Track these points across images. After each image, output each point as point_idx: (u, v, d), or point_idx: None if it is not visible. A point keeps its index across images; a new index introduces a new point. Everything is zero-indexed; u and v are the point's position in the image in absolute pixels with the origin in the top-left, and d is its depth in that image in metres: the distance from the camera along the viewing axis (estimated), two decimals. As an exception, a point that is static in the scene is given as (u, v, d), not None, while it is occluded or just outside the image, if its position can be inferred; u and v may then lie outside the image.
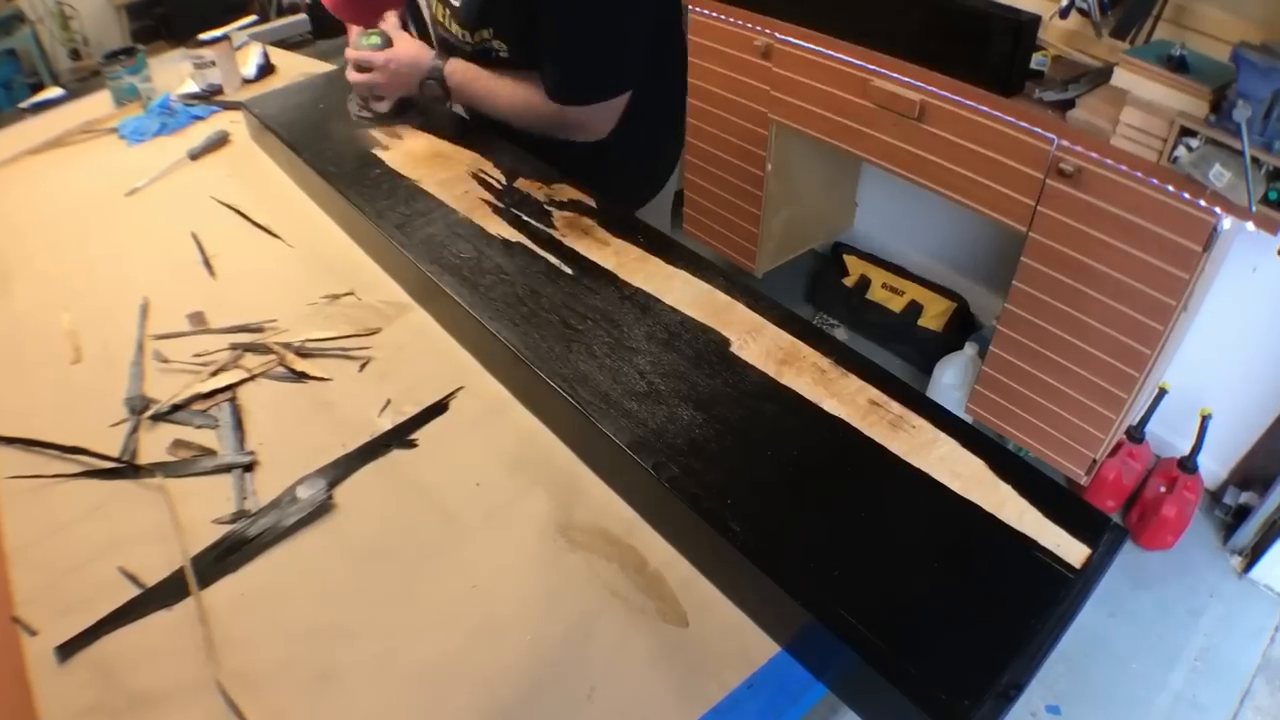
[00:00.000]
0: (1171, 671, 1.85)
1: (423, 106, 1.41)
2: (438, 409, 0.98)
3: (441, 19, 1.32)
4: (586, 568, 0.81)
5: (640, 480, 0.82)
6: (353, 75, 1.34)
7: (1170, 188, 1.56)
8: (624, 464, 0.83)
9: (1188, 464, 2.03)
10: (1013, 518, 0.76)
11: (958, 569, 0.73)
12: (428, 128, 1.38)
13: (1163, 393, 2.03)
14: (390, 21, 1.37)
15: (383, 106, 1.38)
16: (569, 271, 1.06)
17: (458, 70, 1.31)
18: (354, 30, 1.39)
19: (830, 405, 0.87)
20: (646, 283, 1.03)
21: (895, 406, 0.87)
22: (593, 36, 1.17)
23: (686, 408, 0.87)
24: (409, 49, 1.32)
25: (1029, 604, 0.70)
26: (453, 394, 1.00)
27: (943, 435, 0.84)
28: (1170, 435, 2.17)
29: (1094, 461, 1.98)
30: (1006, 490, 0.79)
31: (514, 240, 1.11)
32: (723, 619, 0.77)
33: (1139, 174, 1.59)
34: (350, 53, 1.33)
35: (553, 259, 1.08)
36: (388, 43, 1.32)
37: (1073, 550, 0.74)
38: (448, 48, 1.35)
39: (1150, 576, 2.03)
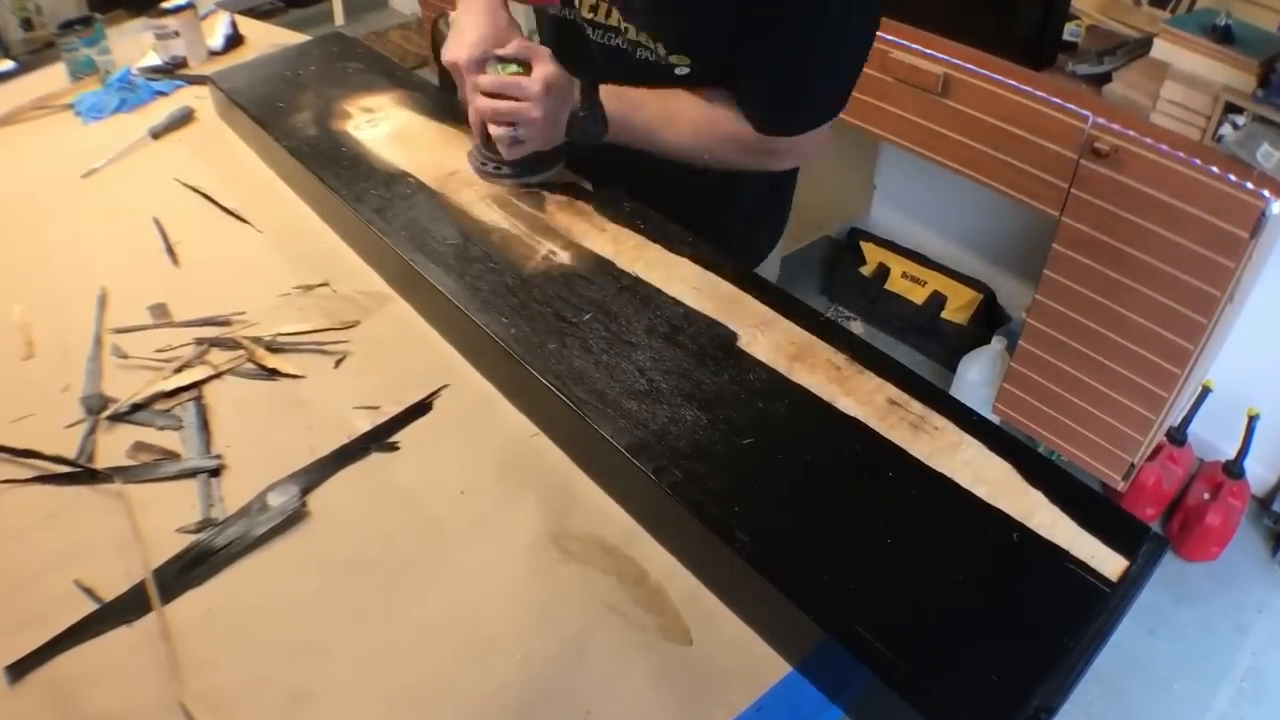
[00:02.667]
0: (1216, 693, 1.85)
1: (569, 150, 1.17)
2: (420, 409, 0.98)
3: (597, 15, 1.13)
4: (581, 581, 0.81)
5: (640, 486, 0.82)
6: (484, 105, 1.07)
7: (1214, 169, 1.55)
8: (622, 468, 0.83)
9: (1234, 468, 2.03)
10: (1044, 527, 0.76)
11: (984, 582, 0.73)
12: (411, 104, 1.38)
13: (1206, 391, 2.03)
14: (514, 39, 1.10)
15: (518, 151, 1.11)
16: (564, 260, 1.05)
17: (614, 97, 1.10)
18: (454, 49, 1.09)
19: (846, 405, 0.87)
20: (647, 272, 1.03)
21: (916, 406, 0.87)
22: (831, 59, 1.05)
23: (690, 407, 0.87)
24: (560, 73, 1.07)
25: (1061, 620, 0.70)
26: (437, 392, 1.00)
27: (968, 437, 0.84)
28: (1215, 437, 2.17)
29: (1132, 466, 1.98)
30: (1037, 497, 0.79)
31: (503, 226, 1.11)
32: (729, 636, 0.77)
33: (1180, 154, 1.59)
34: (485, 78, 1.06)
35: (546, 246, 1.08)
36: (529, 70, 1.07)
37: (1109, 562, 0.74)
38: (608, 56, 1.15)
39: (1193, 590, 2.03)
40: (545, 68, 1.06)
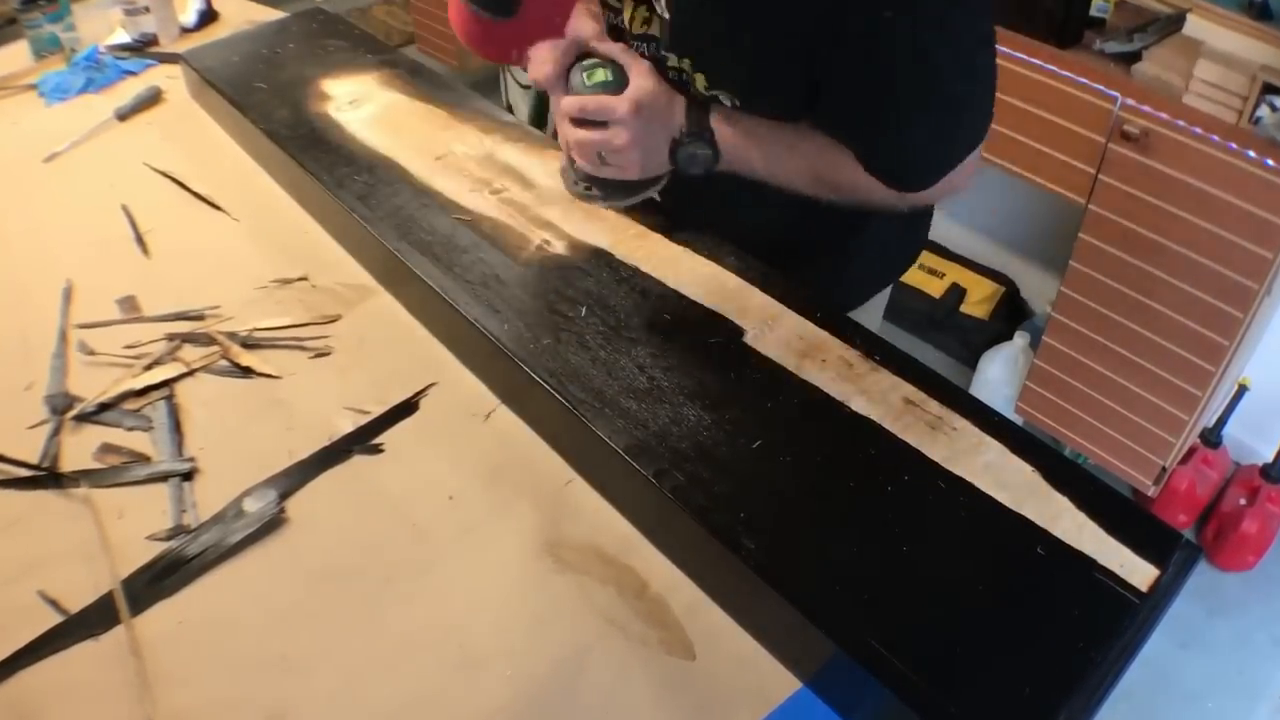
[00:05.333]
0: (1253, 712, 1.85)
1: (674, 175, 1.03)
2: (406, 409, 0.98)
3: (635, 23, 1.04)
4: (578, 592, 0.81)
5: (640, 490, 0.82)
6: (572, 133, 0.97)
7: (1251, 153, 1.55)
8: (621, 471, 0.83)
9: (1272, 472, 2.03)
10: (1069, 534, 0.76)
11: (1006, 593, 0.73)
12: (396, 85, 1.37)
13: (1243, 390, 2.03)
14: (593, 32, 0.99)
15: (621, 172, 0.99)
16: (559, 251, 1.05)
17: (727, 122, 0.98)
18: (535, 63, 0.98)
19: (859, 404, 0.87)
20: (647, 263, 1.03)
21: (934, 405, 0.87)
22: (950, 94, 0.91)
23: (693, 407, 0.86)
24: (657, 90, 0.95)
25: (1088, 633, 0.69)
26: (423, 391, 0.99)
27: (989, 439, 0.84)
28: (1251, 439, 2.17)
29: (1163, 469, 1.98)
30: (1062, 502, 0.78)
31: (494, 215, 1.11)
32: (734, 651, 0.77)
33: (1215, 137, 1.59)
34: (568, 100, 0.96)
35: (540, 235, 1.07)
36: (622, 79, 0.96)
37: (1139, 571, 0.73)
38: None
39: (1228, 601, 2.03)
40: (640, 83, 0.95)
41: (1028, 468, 0.81)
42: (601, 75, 0.96)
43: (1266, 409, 2.06)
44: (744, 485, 0.80)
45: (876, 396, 0.88)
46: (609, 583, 0.82)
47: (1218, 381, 1.80)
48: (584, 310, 0.97)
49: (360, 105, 1.32)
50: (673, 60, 1.01)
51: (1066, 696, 0.66)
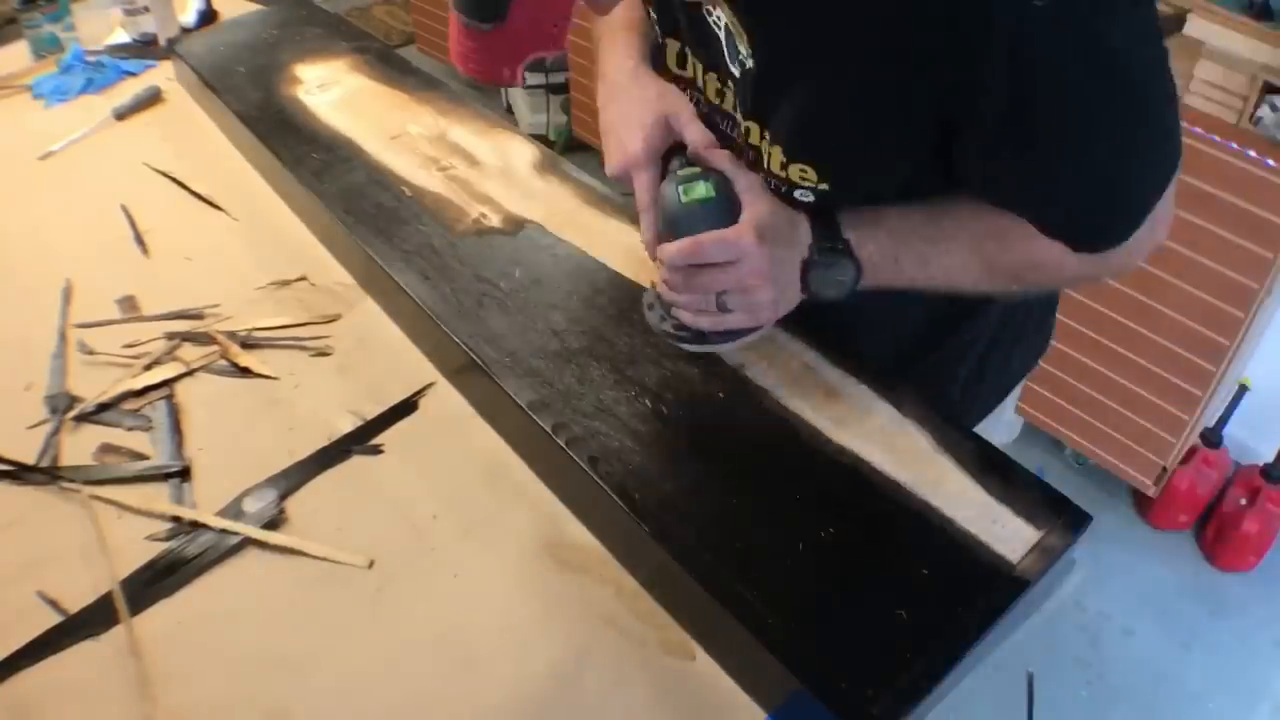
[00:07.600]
0: (1254, 712, 1.85)
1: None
2: (406, 408, 0.98)
3: (714, 96, 0.86)
4: (577, 592, 0.81)
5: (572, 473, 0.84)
6: (674, 280, 0.79)
7: (1252, 153, 1.55)
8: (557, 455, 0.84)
9: (1273, 472, 2.03)
10: (951, 498, 0.77)
11: (873, 557, 0.74)
12: (364, 70, 1.38)
13: (1243, 390, 2.03)
14: (690, 128, 0.83)
15: (751, 319, 0.81)
16: (494, 224, 1.09)
17: (868, 229, 0.78)
18: (613, 156, 0.84)
19: (756, 371, 0.88)
20: (577, 236, 1.05)
21: (832, 372, 0.88)
22: (1148, 103, 0.70)
23: (600, 368, 0.89)
24: (775, 206, 0.79)
25: (958, 599, 0.70)
26: (423, 390, 1.00)
27: (882, 403, 0.85)
28: (1252, 439, 2.17)
29: (1164, 470, 1.98)
30: (946, 465, 0.80)
31: (437, 190, 1.14)
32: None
33: (1215, 138, 1.59)
34: (681, 245, 0.76)
35: (478, 209, 1.11)
36: (727, 195, 0.78)
37: (1018, 537, 0.74)
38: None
39: (1229, 602, 2.03)
40: (757, 202, 0.77)
41: (918, 432, 0.83)
42: (702, 191, 0.77)
43: (1267, 409, 2.06)
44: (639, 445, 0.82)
45: (778, 363, 0.89)
46: (609, 583, 0.82)
47: (1218, 381, 1.80)
48: (510, 278, 1.00)
49: (328, 89, 1.36)
50: (754, 135, 0.81)
51: (931, 657, 0.67)
